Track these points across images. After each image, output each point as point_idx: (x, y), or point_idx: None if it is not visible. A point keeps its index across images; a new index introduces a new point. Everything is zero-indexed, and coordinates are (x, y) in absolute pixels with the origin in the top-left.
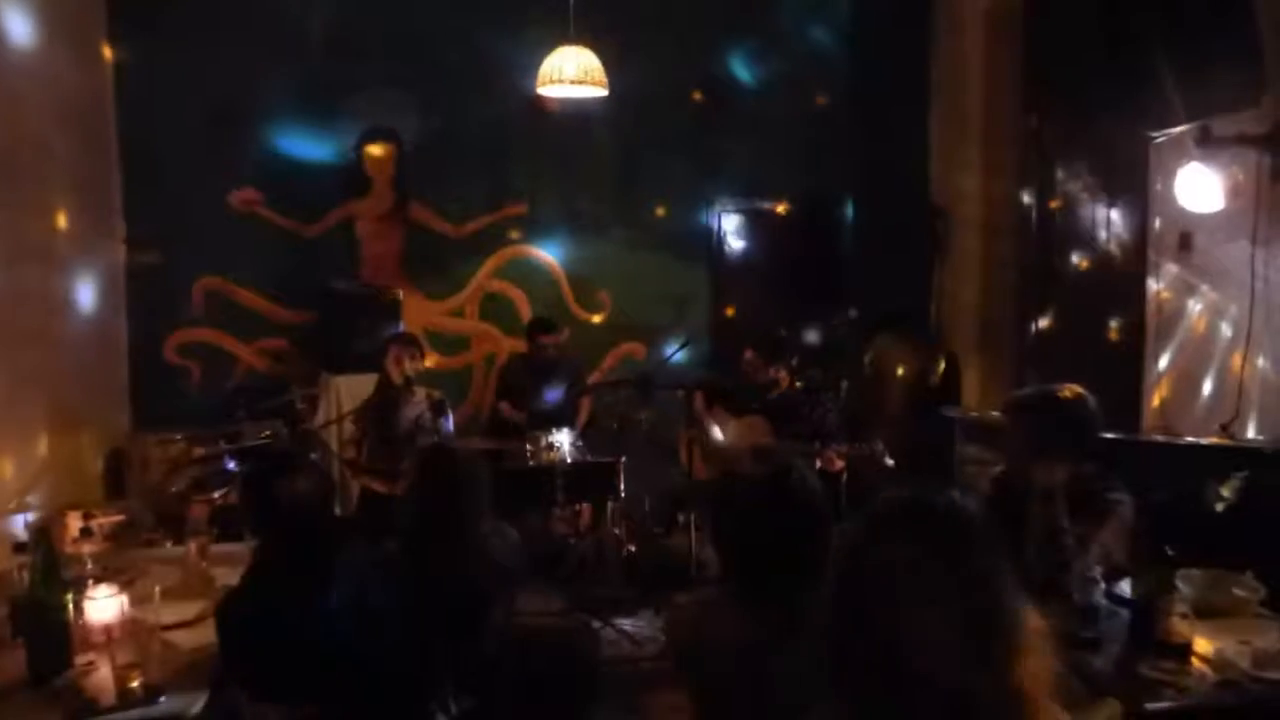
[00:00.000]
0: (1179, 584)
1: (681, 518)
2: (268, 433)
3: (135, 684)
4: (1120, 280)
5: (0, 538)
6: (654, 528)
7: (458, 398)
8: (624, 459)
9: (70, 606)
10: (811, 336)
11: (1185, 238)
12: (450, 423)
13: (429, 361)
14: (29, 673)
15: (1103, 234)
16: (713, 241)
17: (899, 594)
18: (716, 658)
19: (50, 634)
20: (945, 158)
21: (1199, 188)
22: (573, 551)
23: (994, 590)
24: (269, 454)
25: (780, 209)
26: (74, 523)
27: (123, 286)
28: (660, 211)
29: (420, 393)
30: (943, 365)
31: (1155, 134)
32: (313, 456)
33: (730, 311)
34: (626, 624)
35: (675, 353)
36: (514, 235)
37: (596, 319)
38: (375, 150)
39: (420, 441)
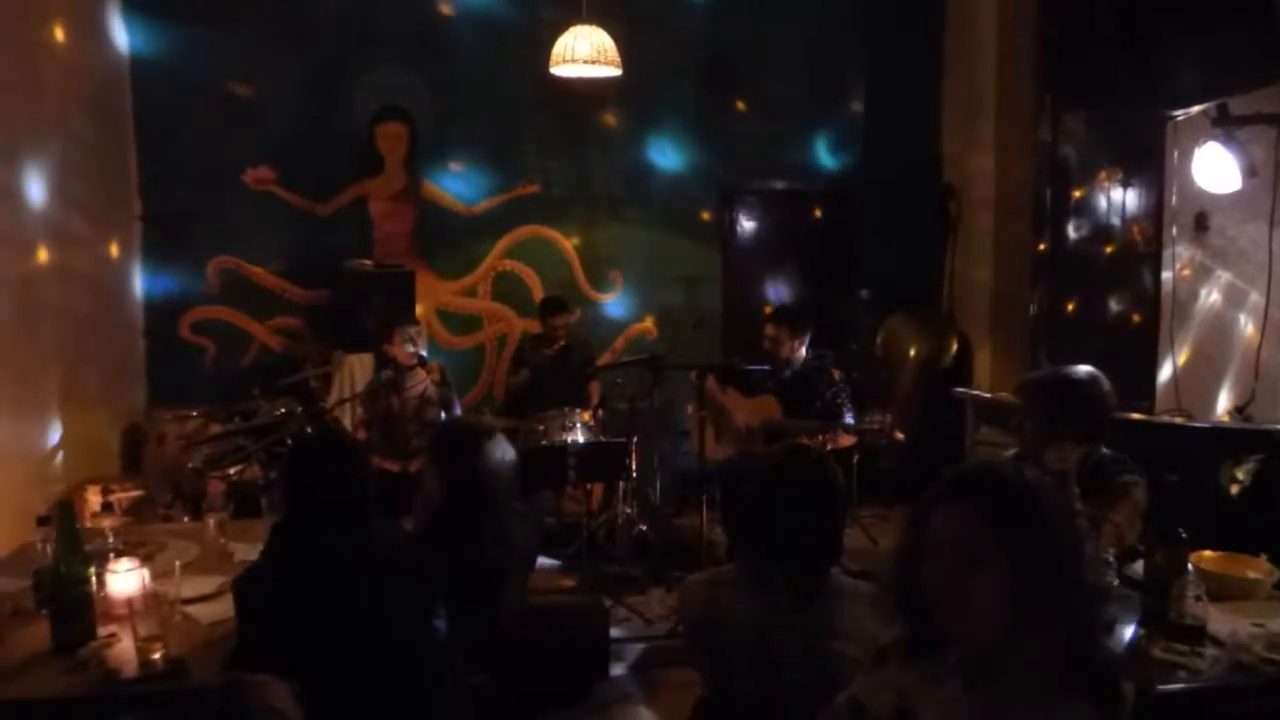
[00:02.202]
0: (1192, 566)
1: (692, 498)
2: (282, 410)
3: (157, 656)
4: (1135, 260)
5: (23, 510)
6: (665, 507)
7: (470, 377)
8: (635, 439)
9: (93, 579)
10: (823, 317)
11: (1202, 218)
12: (454, 393)
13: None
14: (53, 643)
15: (1118, 214)
16: (724, 221)
17: (950, 557)
18: (728, 635)
19: (74, 606)
20: (958, 136)
21: (1216, 167)
22: (584, 530)
23: (1046, 566)
24: (316, 432)
25: (817, 213)
26: (94, 497)
27: (139, 264)
28: (673, 191)
29: (419, 371)
30: (955, 346)
31: (1172, 112)
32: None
33: (768, 311)
34: (638, 602)
35: (689, 333)
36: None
37: (608, 299)
38: (388, 130)
39: (427, 415)
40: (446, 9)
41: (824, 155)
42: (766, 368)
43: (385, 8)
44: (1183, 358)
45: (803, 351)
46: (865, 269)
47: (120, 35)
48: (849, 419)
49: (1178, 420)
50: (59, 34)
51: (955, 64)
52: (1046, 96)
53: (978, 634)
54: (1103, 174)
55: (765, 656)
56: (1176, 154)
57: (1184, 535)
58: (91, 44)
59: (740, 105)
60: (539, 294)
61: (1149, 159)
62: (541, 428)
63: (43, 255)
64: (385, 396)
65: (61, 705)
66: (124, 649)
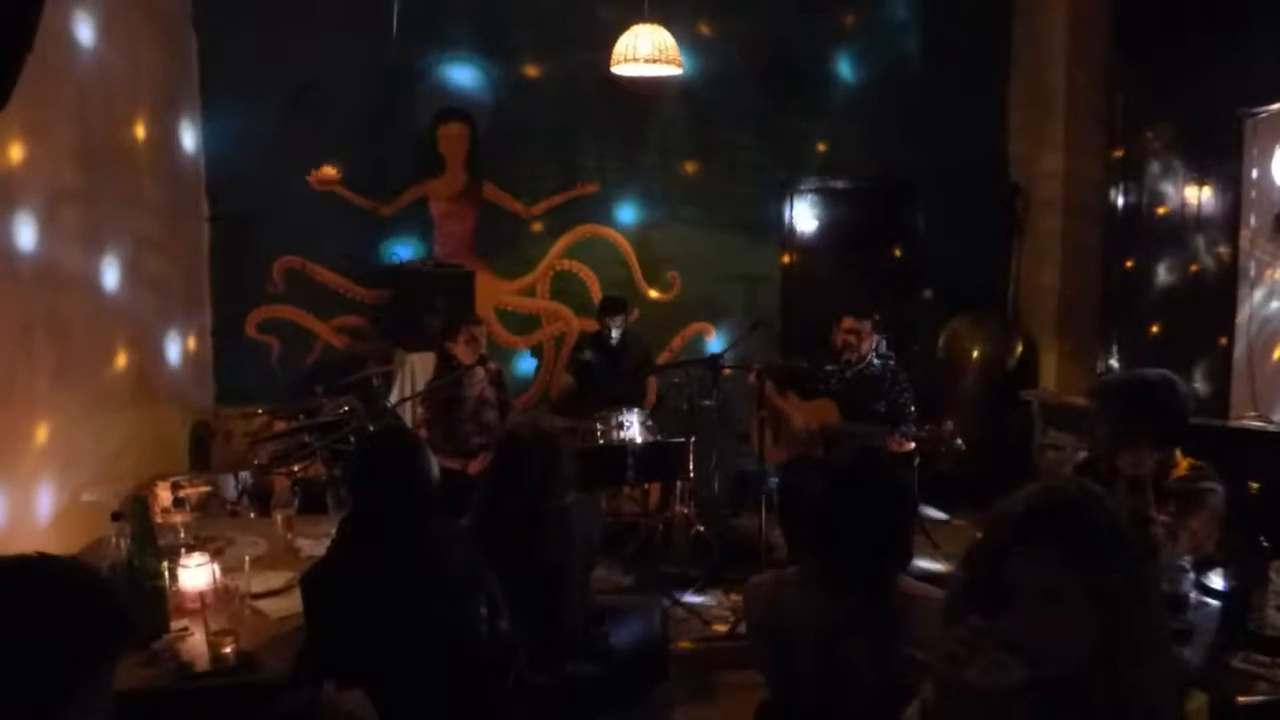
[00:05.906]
0: (1273, 576)
1: (750, 499)
2: (345, 408)
3: (228, 650)
4: (1209, 262)
5: (98, 505)
6: (722, 508)
7: (528, 376)
8: (693, 439)
9: (166, 574)
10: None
11: None
12: (509, 396)
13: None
14: None
15: (1192, 213)
16: (785, 221)
17: (1035, 602)
18: (794, 638)
19: (148, 599)
20: (1025, 135)
21: None
22: (641, 530)
23: (1124, 605)
24: (382, 430)
25: (879, 212)
26: (165, 493)
27: (206, 263)
28: (732, 191)
29: (480, 370)
30: (1019, 349)
31: (1251, 110)
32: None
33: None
34: (696, 602)
35: (747, 334)
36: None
37: (666, 298)
38: (449, 130)
39: (485, 416)
40: (508, 10)
41: (886, 153)
42: (829, 368)
43: (447, 8)
44: (1259, 361)
45: (871, 344)
46: (928, 269)
47: (191, 36)
48: (911, 424)
49: (1255, 426)
50: (130, 36)
51: (1023, 61)
52: (1118, 95)
53: (1063, 669)
54: (1176, 173)
55: (832, 660)
56: (1255, 152)
57: (1265, 545)
58: (162, 46)
59: (801, 104)
60: (597, 293)
61: (1225, 158)
62: (599, 427)
63: (118, 256)
64: (447, 395)
65: (137, 697)
66: (196, 643)
